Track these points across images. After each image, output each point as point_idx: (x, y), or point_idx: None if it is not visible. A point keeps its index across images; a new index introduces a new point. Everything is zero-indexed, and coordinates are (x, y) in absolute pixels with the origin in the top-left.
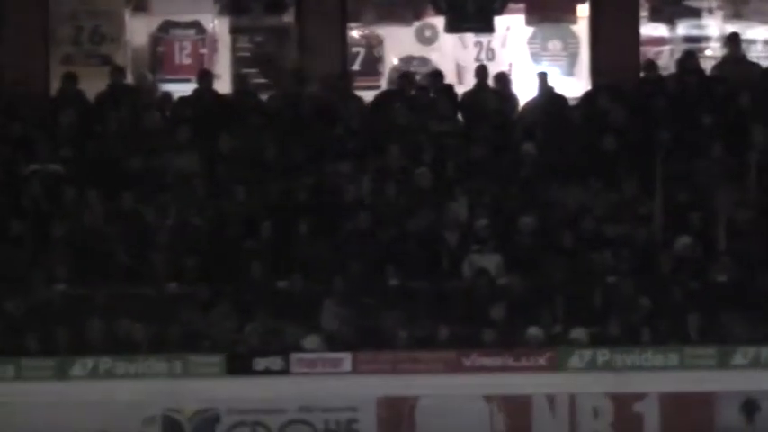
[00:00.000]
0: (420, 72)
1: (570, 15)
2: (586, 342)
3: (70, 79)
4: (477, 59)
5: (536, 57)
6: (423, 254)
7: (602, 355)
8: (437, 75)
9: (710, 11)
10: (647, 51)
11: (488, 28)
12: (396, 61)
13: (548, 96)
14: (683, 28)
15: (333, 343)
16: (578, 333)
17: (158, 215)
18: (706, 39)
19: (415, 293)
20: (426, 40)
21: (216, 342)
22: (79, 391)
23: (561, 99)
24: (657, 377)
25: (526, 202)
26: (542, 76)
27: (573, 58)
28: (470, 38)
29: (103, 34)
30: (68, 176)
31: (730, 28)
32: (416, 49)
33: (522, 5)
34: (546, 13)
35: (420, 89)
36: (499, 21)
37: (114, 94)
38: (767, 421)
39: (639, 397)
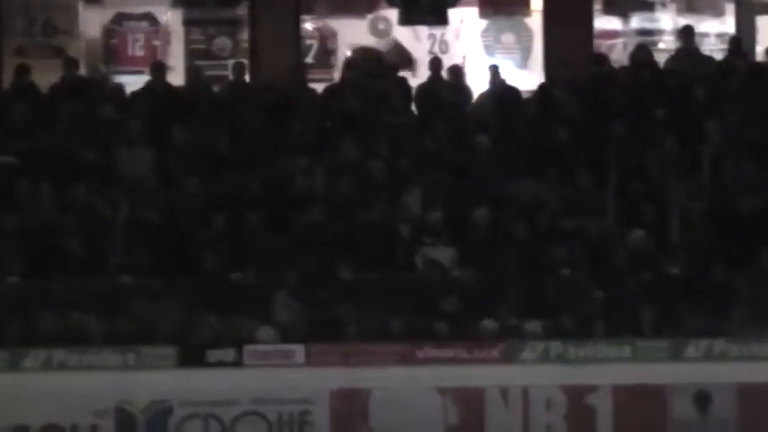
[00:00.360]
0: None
1: (524, 8)
2: (540, 334)
3: (23, 71)
4: (430, 52)
5: (489, 49)
6: (376, 246)
7: (555, 347)
8: (389, 68)
9: (664, 4)
10: (601, 44)
11: (442, 21)
12: (348, 53)
13: (501, 89)
14: (637, 21)
15: (286, 335)
16: (532, 325)
17: (111, 208)
18: (659, 32)
19: (368, 286)
20: (380, 32)
21: (169, 334)
22: (31, 382)
23: (514, 91)
24: (610, 369)
25: (480, 194)
26: (494, 69)
27: (526, 51)
28: (424, 30)
29: (56, 26)
30: (21, 169)
31: (683, 21)
32: (370, 42)
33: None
34: (499, 6)
35: (373, 79)
36: (453, 13)
37: (67, 86)
38: (719, 413)
39: (592, 389)
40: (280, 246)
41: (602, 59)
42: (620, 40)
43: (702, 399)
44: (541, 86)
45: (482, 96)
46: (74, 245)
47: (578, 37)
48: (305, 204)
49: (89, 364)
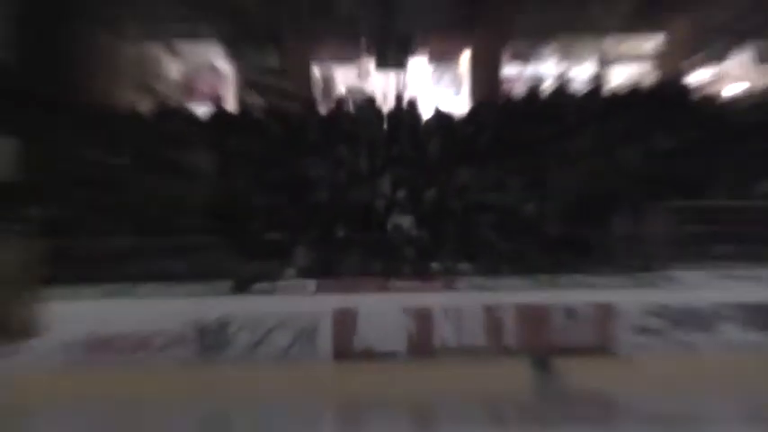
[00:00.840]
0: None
1: (457, 57)
2: (469, 272)
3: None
4: (395, 88)
5: (435, 85)
6: (361, 215)
7: (478, 280)
8: (370, 99)
9: (548, 55)
10: (509, 85)
11: (404, 66)
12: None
13: (440, 114)
14: (531, 68)
15: (303, 274)
16: (463, 266)
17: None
18: (545, 75)
19: (357, 242)
20: (364, 74)
21: (230, 274)
22: (149, 306)
23: (449, 116)
24: (514, 294)
25: (429, 181)
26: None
27: (459, 86)
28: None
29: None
30: None
31: (560, 67)
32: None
33: (426, 51)
34: (441, 56)
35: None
36: (411, 62)
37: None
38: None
39: (501, 307)
40: (300, 215)
41: (507, 96)
42: (521, 82)
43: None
44: (470, 111)
45: (429, 119)
46: None
47: (491, 77)
48: (317, 187)
49: (181, 294)
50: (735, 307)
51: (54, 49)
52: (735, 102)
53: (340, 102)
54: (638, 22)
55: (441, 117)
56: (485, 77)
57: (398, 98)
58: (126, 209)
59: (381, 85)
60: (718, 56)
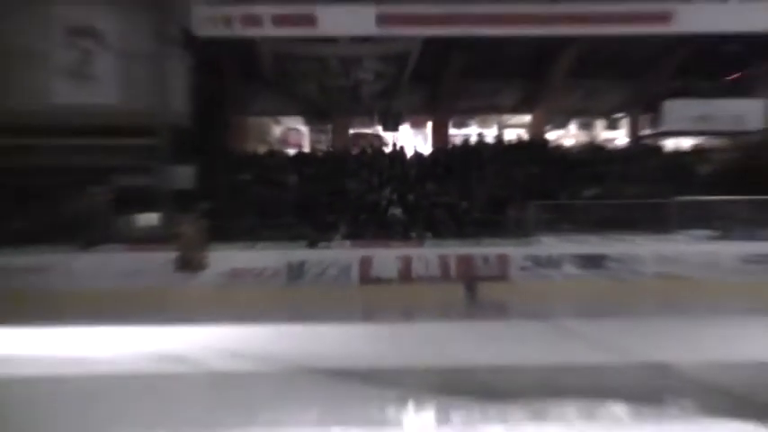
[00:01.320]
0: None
1: (425, 125)
2: (431, 237)
3: None
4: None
5: (413, 139)
6: (373, 209)
7: (436, 241)
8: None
9: (473, 123)
10: (452, 139)
11: (396, 129)
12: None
13: (416, 154)
14: (464, 130)
15: (344, 239)
16: (428, 234)
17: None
18: (472, 134)
19: (372, 223)
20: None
21: (304, 236)
22: (261, 255)
23: (421, 155)
24: (455, 249)
25: (410, 190)
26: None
27: (426, 141)
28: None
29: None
30: None
31: (480, 129)
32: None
33: (409, 121)
34: (416, 125)
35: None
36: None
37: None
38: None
39: (448, 256)
40: (343, 208)
41: (452, 143)
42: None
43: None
44: (432, 152)
45: (412, 155)
46: None
47: (443, 135)
48: (352, 193)
49: (281, 248)
50: (571, 255)
51: (214, 119)
52: (569, 148)
53: (363, 148)
54: (520, 107)
55: (417, 156)
56: (440, 135)
57: (394, 145)
58: (249, 205)
59: (385, 139)
60: (561, 125)
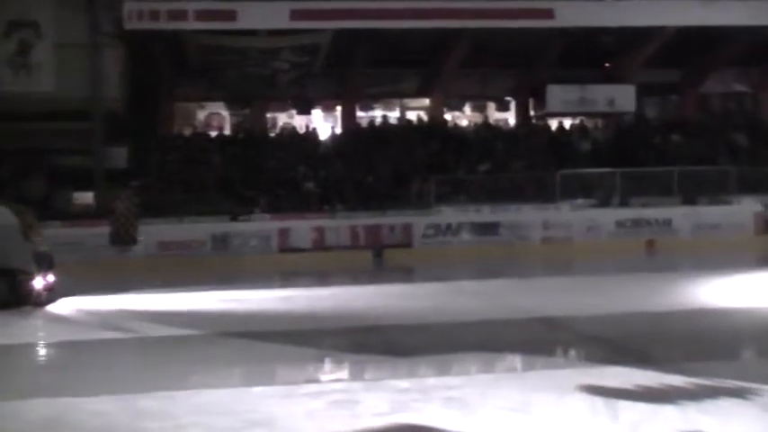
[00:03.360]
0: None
1: (335, 109)
2: (342, 209)
3: None
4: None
5: (325, 123)
6: (290, 183)
7: (346, 213)
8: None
9: (378, 107)
10: (359, 121)
11: (309, 113)
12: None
13: (332, 135)
14: (370, 112)
15: (264, 212)
16: (339, 207)
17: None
18: (377, 116)
19: (289, 197)
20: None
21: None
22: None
23: (334, 135)
24: (365, 219)
25: (325, 167)
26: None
27: (336, 123)
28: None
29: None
30: None
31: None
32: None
33: (320, 106)
34: (328, 109)
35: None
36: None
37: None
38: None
39: (358, 226)
40: (261, 183)
41: (359, 125)
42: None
43: (391, 228)
44: (341, 133)
45: (325, 137)
46: None
47: (351, 118)
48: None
49: (207, 221)
50: (468, 224)
51: (145, 104)
52: (464, 128)
53: (282, 129)
54: (419, 92)
55: (332, 137)
56: (348, 117)
57: (307, 128)
58: (177, 183)
59: (299, 123)
60: (457, 107)
